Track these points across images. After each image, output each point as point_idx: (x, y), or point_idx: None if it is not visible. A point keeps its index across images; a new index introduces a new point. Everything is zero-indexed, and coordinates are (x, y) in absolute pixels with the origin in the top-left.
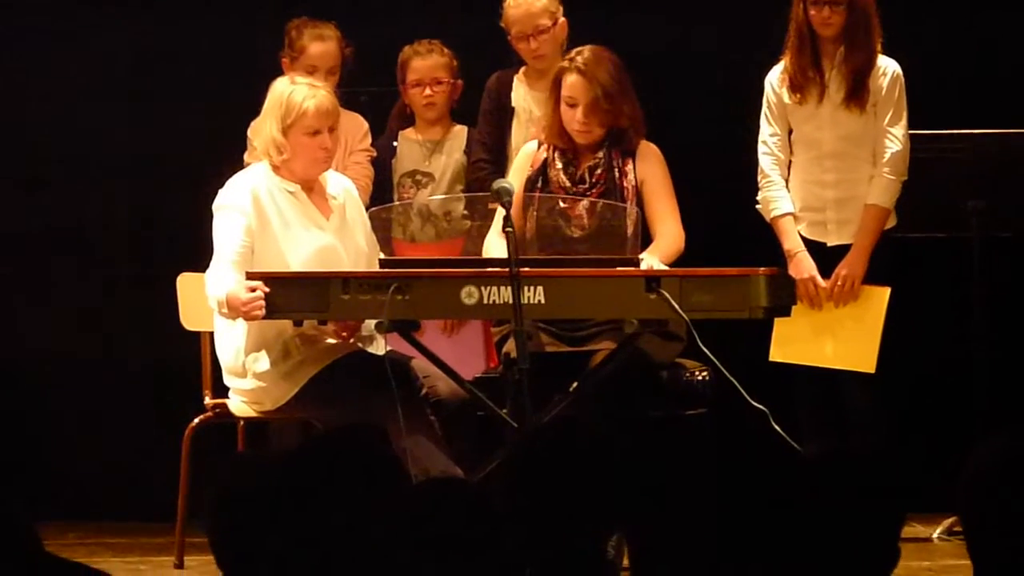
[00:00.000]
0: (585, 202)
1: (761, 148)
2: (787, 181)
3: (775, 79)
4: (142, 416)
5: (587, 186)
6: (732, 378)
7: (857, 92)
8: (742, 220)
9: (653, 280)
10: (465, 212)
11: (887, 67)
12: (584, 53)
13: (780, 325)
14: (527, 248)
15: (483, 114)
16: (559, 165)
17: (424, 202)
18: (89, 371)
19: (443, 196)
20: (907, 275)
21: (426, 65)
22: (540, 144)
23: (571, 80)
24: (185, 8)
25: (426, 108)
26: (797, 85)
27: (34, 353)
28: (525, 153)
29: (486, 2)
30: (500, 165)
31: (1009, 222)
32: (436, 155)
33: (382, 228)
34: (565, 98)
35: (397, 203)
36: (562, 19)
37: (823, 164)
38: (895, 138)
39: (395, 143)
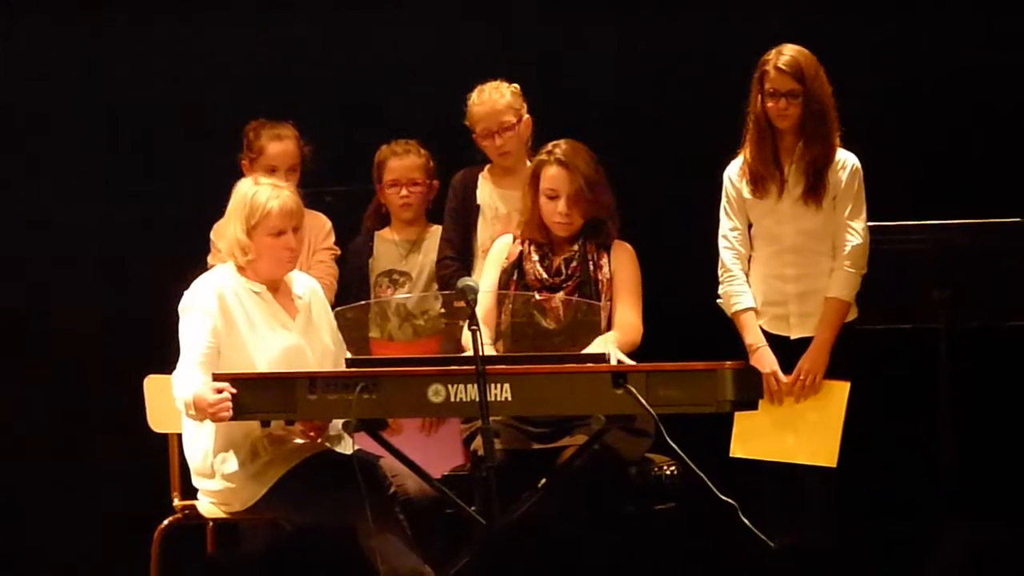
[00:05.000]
0: (561, 295)
1: (722, 242)
2: (747, 275)
3: (734, 173)
4: (111, 518)
5: (563, 278)
6: (700, 472)
7: (815, 186)
8: (706, 314)
9: (620, 376)
10: (443, 310)
11: (846, 160)
12: (561, 145)
13: (740, 420)
14: (503, 340)
15: (448, 212)
16: (535, 258)
17: (401, 301)
18: (58, 474)
19: (420, 295)
20: (873, 368)
21: (403, 165)
22: (515, 237)
23: (552, 172)
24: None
25: (402, 208)
26: (757, 178)
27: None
28: (501, 245)
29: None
30: (466, 262)
31: (974, 311)
32: (413, 254)
33: (356, 327)
34: (545, 190)
35: (363, 302)
36: (526, 116)
37: (783, 258)
38: (855, 231)
39: (371, 243)
